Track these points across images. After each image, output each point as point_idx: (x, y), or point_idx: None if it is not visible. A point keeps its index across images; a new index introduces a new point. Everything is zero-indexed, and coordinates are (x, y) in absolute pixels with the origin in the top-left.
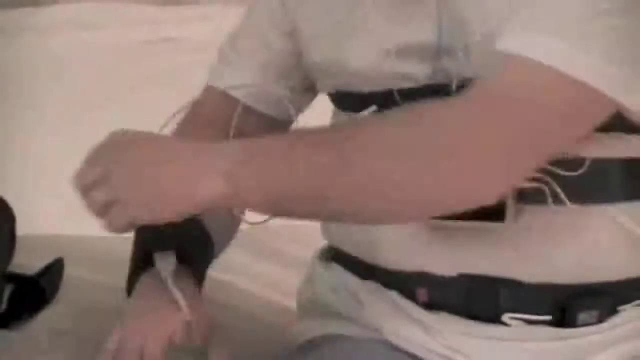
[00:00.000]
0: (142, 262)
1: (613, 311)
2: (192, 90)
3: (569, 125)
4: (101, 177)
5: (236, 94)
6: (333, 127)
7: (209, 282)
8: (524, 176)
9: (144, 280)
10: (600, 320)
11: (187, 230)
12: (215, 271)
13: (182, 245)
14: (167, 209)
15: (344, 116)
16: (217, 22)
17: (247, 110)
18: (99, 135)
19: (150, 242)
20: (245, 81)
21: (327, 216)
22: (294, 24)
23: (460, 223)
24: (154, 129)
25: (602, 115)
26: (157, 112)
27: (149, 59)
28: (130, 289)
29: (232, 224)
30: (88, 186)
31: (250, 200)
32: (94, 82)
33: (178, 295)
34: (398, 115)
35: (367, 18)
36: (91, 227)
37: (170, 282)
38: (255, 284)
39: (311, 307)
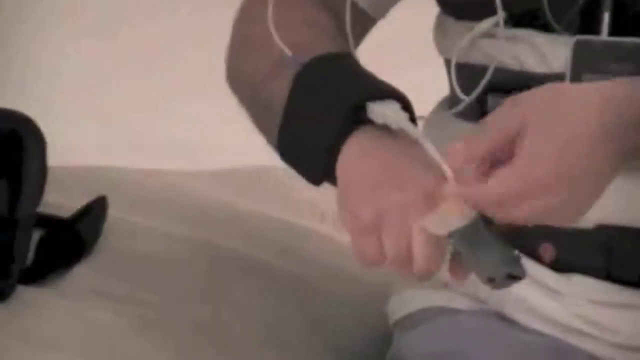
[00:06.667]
0: (340, 120)
1: None
2: None
3: None
4: None
5: None
6: None
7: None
8: None
9: (360, 138)
10: None
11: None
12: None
13: (397, 93)
14: None
15: (458, 25)
16: None
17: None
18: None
19: (352, 93)
20: None
21: None
22: None
23: None
24: None
25: None
26: None
27: None
28: (327, 161)
29: None
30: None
31: None
32: None
33: (437, 153)
34: None
35: None
36: (139, 159)
37: (416, 132)
38: None
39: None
